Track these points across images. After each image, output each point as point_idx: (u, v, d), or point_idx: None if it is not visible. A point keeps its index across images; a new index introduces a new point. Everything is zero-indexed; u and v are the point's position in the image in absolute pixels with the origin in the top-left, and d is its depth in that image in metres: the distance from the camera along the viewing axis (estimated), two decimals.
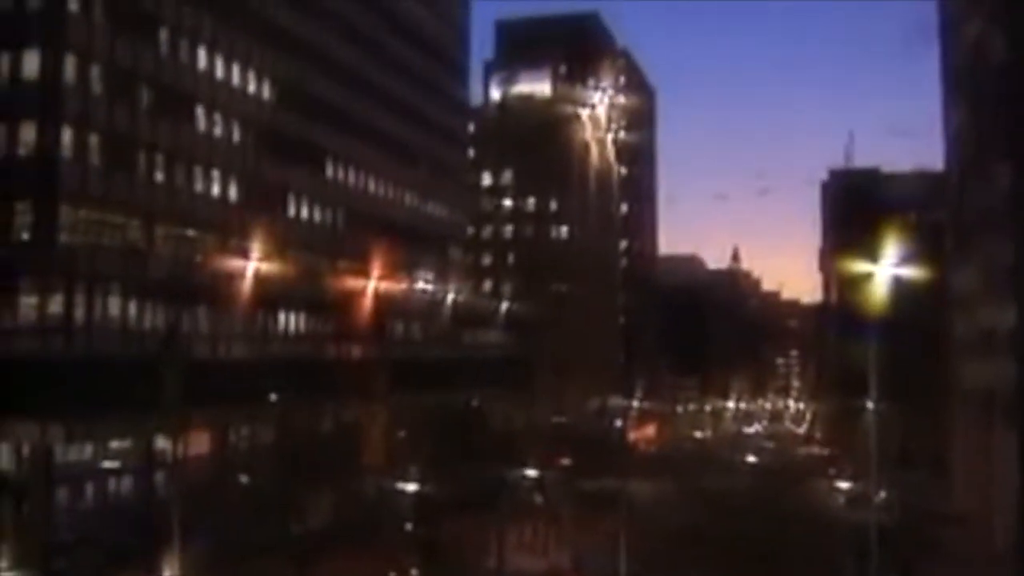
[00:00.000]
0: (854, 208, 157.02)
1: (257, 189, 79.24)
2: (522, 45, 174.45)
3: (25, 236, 59.52)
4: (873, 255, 48.27)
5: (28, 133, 59.99)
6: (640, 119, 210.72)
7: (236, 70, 77.55)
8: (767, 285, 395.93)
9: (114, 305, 63.45)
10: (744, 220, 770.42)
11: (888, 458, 78.39)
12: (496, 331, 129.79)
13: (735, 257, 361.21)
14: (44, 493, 57.53)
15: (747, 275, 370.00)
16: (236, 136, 77.35)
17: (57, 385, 55.22)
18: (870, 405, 58.82)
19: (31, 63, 60.19)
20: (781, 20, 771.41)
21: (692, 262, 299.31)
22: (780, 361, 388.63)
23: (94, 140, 62.41)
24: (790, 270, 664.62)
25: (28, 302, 59.26)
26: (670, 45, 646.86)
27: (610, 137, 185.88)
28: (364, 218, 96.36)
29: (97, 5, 63.43)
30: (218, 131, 75.44)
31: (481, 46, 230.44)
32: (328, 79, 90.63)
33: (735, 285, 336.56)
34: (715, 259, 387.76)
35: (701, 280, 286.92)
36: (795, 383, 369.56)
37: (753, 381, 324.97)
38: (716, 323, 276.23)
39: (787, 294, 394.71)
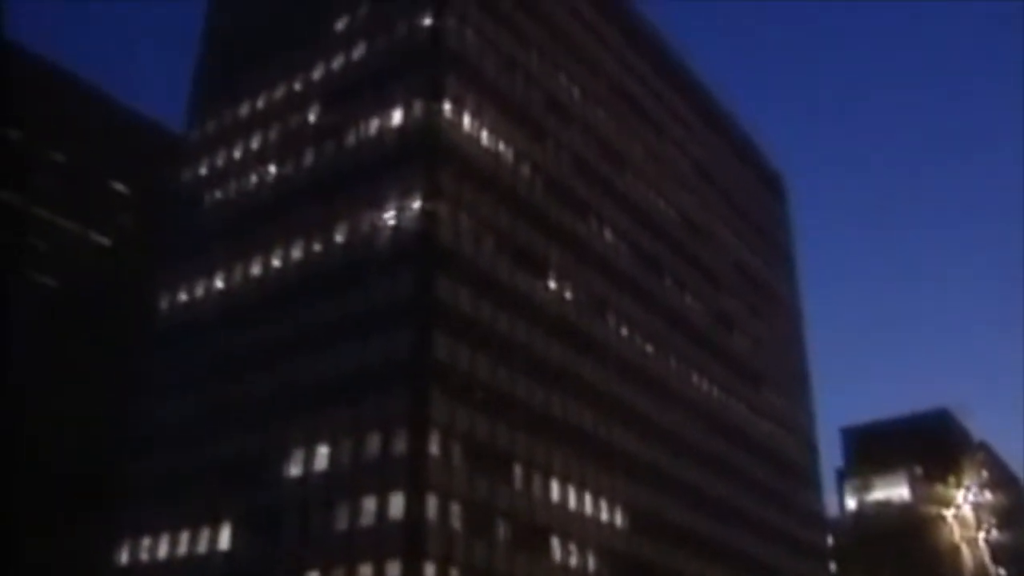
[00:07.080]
0: None
1: None
2: (872, 450, 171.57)
3: None
4: None
5: (393, 570, 61.76)
6: (1012, 514, 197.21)
7: (588, 499, 78.66)
8: None
9: None
10: None
11: None
12: None
13: None
14: None
15: None
16: (592, 564, 77.07)
17: None
18: None
19: (396, 505, 63.14)
20: None
21: None
22: None
23: (454, 575, 63.68)
24: None
25: None
26: None
27: (982, 536, 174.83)
28: None
29: (456, 447, 66.78)
30: (574, 560, 75.47)
31: (829, 455, 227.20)
32: (679, 501, 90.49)
33: None
34: None
35: None
36: None
37: None
38: None
39: None
